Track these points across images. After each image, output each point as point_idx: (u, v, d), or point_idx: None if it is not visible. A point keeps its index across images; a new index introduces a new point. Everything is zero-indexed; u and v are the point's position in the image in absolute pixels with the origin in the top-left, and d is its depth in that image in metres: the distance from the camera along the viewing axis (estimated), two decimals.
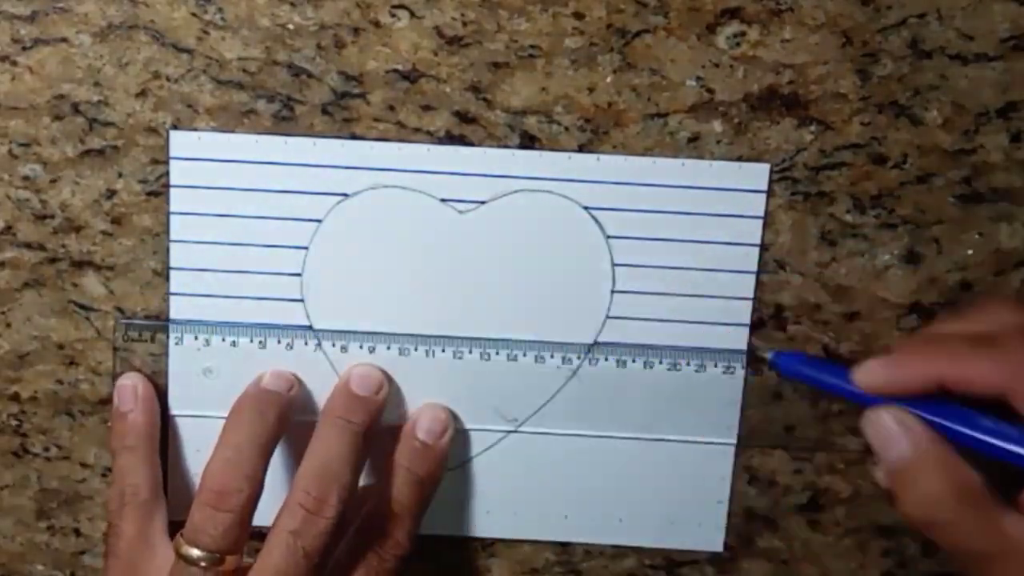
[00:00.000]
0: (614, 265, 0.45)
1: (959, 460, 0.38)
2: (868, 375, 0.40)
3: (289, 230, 0.44)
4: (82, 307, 0.45)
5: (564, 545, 0.48)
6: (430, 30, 0.43)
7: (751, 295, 0.45)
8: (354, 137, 0.44)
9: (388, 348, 0.45)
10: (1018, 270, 0.46)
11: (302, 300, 0.45)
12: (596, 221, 0.44)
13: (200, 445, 0.46)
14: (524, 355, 0.45)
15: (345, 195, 0.44)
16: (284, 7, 0.42)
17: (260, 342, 0.45)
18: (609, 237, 0.45)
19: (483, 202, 0.44)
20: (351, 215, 0.44)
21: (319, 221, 0.44)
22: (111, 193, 0.44)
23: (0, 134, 0.43)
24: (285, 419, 0.44)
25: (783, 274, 0.45)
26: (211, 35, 0.43)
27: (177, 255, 0.44)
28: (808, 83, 0.44)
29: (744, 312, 0.45)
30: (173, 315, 0.45)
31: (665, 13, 0.43)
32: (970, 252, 0.45)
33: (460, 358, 0.45)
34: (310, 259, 0.45)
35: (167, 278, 0.45)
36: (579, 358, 0.45)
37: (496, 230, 0.44)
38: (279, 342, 0.45)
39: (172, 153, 0.44)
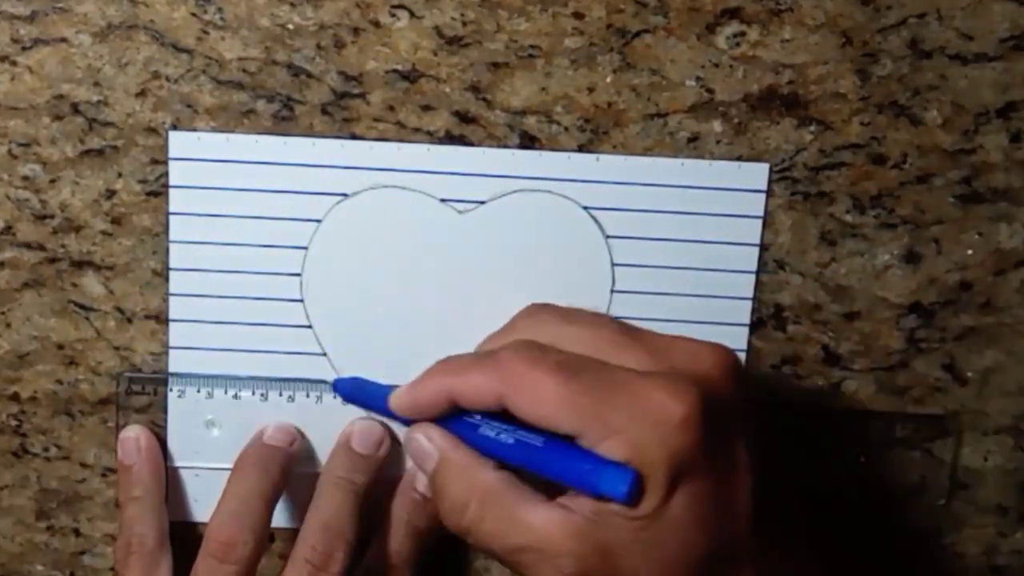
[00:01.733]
0: (614, 265, 0.45)
1: (479, 464, 0.38)
2: (396, 400, 0.41)
3: (289, 230, 0.44)
4: (82, 307, 0.45)
5: None
6: (430, 30, 0.43)
7: (751, 295, 0.45)
8: (354, 137, 0.44)
9: None
10: (1018, 270, 0.46)
11: (302, 300, 0.45)
12: (596, 221, 0.44)
13: (199, 495, 0.46)
14: None
15: (345, 195, 0.44)
16: (284, 7, 0.42)
17: (262, 395, 0.45)
18: (609, 237, 0.45)
19: (483, 202, 0.44)
20: (351, 215, 0.44)
21: (319, 221, 0.44)
22: (111, 193, 0.44)
23: (0, 134, 0.43)
24: (288, 473, 0.44)
25: (783, 274, 0.45)
26: (211, 35, 0.43)
27: (177, 255, 0.44)
28: (808, 83, 0.44)
29: (744, 312, 0.45)
30: (172, 315, 0.45)
31: (665, 13, 0.43)
32: (970, 252, 0.45)
33: None
34: (310, 259, 0.45)
35: (167, 278, 0.45)
36: None
37: (496, 230, 0.44)
38: (281, 394, 0.45)
39: (171, 153, 0.44)
